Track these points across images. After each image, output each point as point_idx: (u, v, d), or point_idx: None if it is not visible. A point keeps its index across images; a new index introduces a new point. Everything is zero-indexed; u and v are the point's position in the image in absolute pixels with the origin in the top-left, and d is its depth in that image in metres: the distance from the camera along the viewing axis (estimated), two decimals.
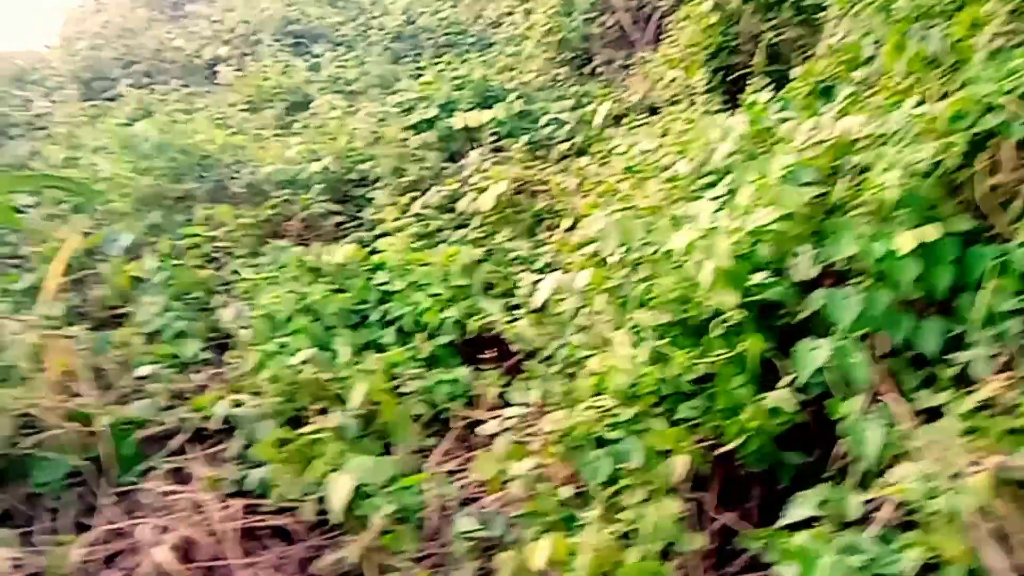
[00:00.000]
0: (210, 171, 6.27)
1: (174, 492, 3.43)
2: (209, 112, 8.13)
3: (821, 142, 3.00)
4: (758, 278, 2.79)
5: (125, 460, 3.63)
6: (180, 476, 3.60)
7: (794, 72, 4.49)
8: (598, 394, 3.10)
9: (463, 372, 4.15)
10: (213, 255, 5.44)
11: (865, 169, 2.77)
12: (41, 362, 3.88)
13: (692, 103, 6.36)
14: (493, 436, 3.27)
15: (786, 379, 2.69)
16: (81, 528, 3.37)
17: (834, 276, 2.78)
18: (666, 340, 3.08)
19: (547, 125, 7.35)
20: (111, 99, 9.43)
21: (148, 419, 3.80)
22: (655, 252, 3.27)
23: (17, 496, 3.47)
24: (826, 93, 3.94)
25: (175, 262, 5.08)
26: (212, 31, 10.56)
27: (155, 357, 4.29)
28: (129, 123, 7.70)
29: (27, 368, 3.81)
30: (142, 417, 3.80)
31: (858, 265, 2.68)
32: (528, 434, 3.19)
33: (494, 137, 7.18)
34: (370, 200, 6.38)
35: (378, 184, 6.54)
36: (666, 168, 4.33)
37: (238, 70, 9.56)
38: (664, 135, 5.48)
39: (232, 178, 6.25)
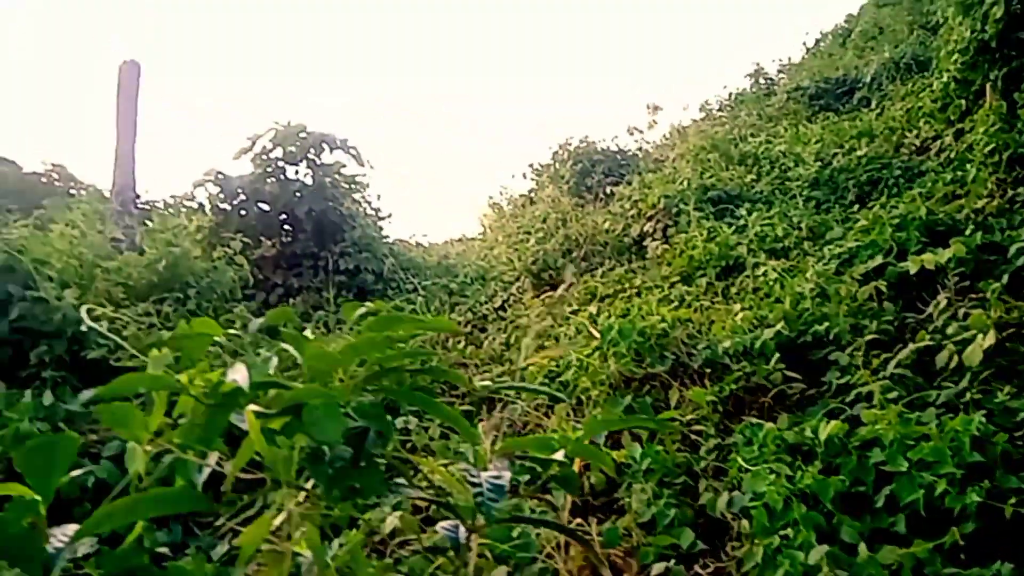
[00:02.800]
0: (666, 349, 6.57)
1: None
2: (650, 289, 8.69)
3: None
4: None
5: None
6: None
7: None
8: None
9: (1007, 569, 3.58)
10: (688, 436, 5.58)
11: None
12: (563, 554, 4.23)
13: None
14: None
15: None
16: None
17: None
18: None
19: (1020, 256, 6.51)
20: (553, 287, 10.62)
21: None
22: None
23: None
24: None
25: (655, 447, 5.30)
26: (635, 209, 11.42)
27: (656, 548, 4.42)
28: (578, 309, 8.52)
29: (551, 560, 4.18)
30: None
31: None
32: None
33: (957, 278, 6.54)
34: (832, 363, 6.10)
35: (836, 345, 6.26)
36: None
37: (665, 243, 10.14)
38: None
39: (689, 354, 6.45)
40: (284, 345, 2.60)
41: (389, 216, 15.59)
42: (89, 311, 3.17)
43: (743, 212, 9.66)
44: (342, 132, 13.79)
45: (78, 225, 11.14)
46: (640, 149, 19.32)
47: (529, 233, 13.07)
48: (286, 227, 13.17)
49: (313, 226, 12.70)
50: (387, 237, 14.16)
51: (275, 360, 2.60)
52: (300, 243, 12.61)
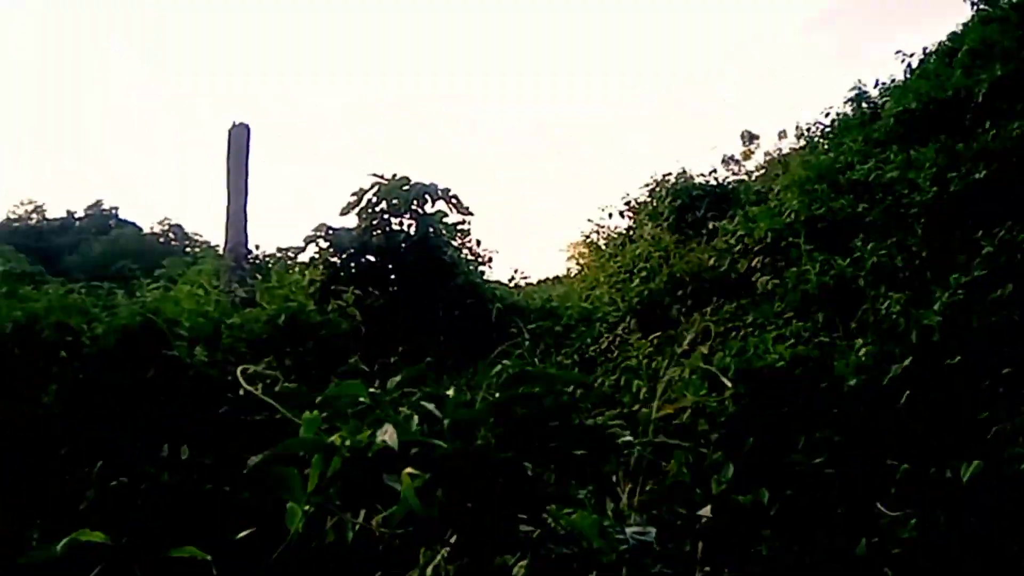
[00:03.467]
0: (786, 389, 6.39)
1: None
2: (763, 326, 8.48)
3: None
4: None
5: None
6: None
7: None
8: None
9: None
10: (816, 479, 5.39)
11: None
12: None
13: None
14: None
15: None
16: None
17: None
18: None
19: None
20: (661, 327, 10.48)
21: None
22: None
23: None
24: None
25: (787, 491, 5.14)
26: (740, 244, 11.21)
27: None
28: (689, 350, 8.39)
29: None
30: None
31: None
32: None
33: None
34: (968, 397, 5.80)
35: (971, 377, 5.95)
36: None
37: (775, 278, 9.90)
38: None
39: (811, 394, 6.26)
40: (425, 404, 2.68)
41: (490, 261, 15.88)
42: (243, 371, 3.35)
43: (857, 243, 9.33)
44: (443, 182, 14.15)
45: (202, 284, 11.80)
46: (739, 181, 18.98)
47: (632, 272, 13.00)
48: (393, 277, 13.55)
49: (419, 276, 13.02)
50: (490, 282, 14.36)
51: (415, 418, 2.69)
52: (408, 293, 12.93)
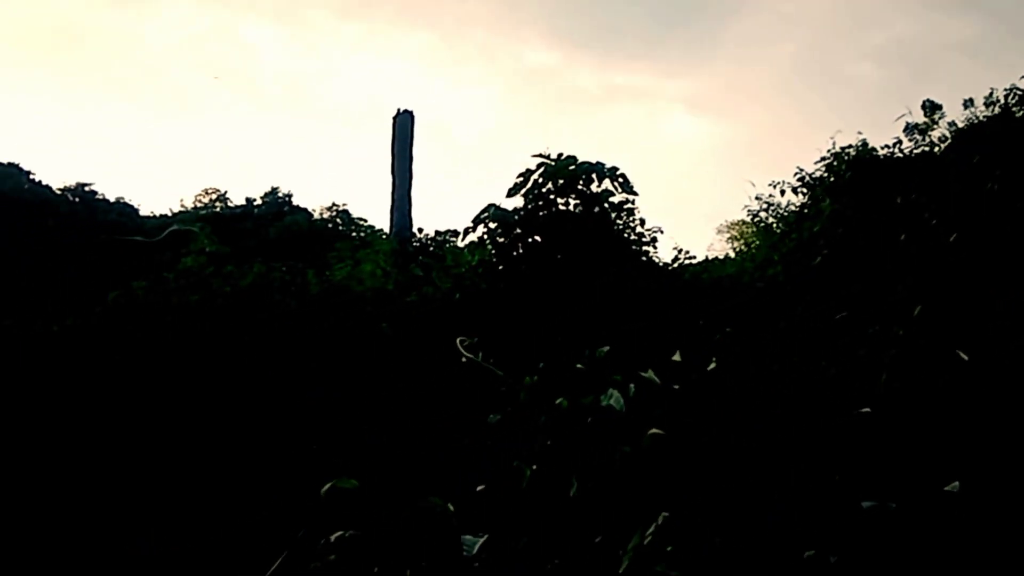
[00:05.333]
0: None
1: None
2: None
3: None
4: None
5: None
6: None
7: None
8: None
9: None
10: None
11: None
12: None
13: None
14: None
15: None
16: None
17: None
18: None
19: None
20: (842, 303, 9.95)
21: None
22: None
23: None
24: None
25: None
26: (936, 218, 10.45)
27: None
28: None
29: None
30: None
31: None
32: None
33: None
34: None
35: None
36: None
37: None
38: None
39: None
40: (645, 375, 2.70)
41: (654, 241, 15.66)
42: (461, 342, 3.50)
43: None
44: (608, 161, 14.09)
45: (382, 265, 12.42)
46: (922, 152, 17.64)
47: (810, 249, 12.43)
48: (559, 256, 13.67)
49: (587, 254, 13.07)
50: (658, 261, 14.20)
51: (632, 386, 2.72)
52: (575, 271, 13.02)
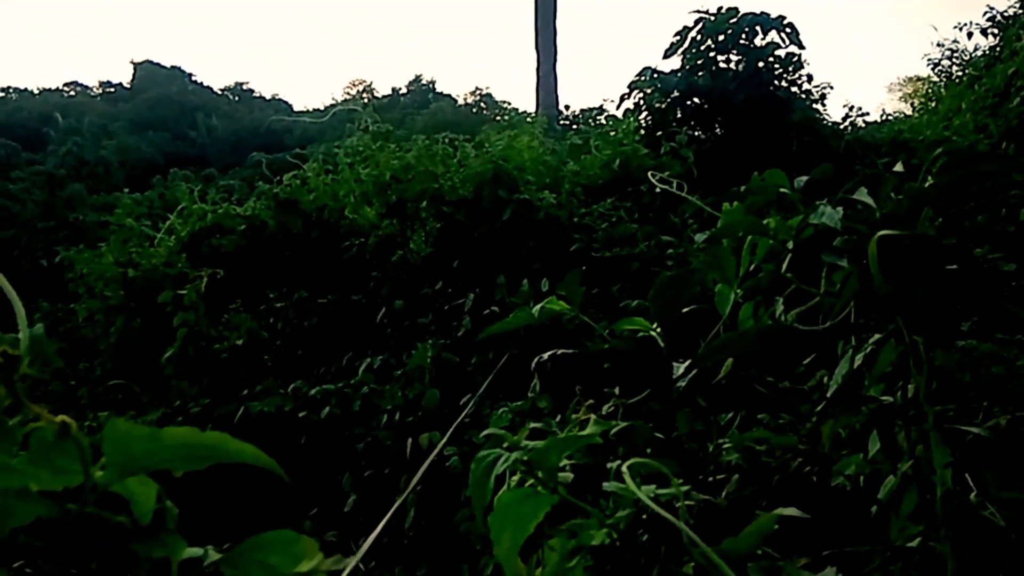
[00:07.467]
0: None
1: None
2: None
3: None
4: None
5: None
6: None
7: None
8: None
9: None
10: None
11: None
12: None
13: None
14: None
15: None
16: None
17: None
18: None
19: None
20: None
21: None
22: None
23: None
24: None
25: None
26: None
27: None
28: None
29: None
30: None
31: None
32: None
33: None
34: None
35: None
36: None
37: None
38: None
39: None
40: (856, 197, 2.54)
41: (823, 98, 14.54)
42: (652, 174, 3.44)
43: None
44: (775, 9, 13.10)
45: (536, 136, 12.33)
46: None
47: (1007, 93, 11.18)
48: (721, 118, 13.05)
49: (751, 114, 12.39)
50: (827, 119, 13.28)
51: (840, 211, 2.57)
52: (739, 133, 12.42)
